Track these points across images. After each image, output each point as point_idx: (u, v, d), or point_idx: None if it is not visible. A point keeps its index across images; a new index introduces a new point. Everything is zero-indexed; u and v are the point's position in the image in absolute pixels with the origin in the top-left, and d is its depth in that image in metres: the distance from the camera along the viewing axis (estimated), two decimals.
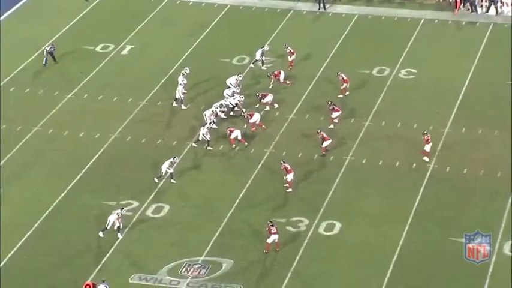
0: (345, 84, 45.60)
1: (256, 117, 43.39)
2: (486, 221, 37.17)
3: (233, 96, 44.64)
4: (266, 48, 48.11)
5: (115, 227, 36.69)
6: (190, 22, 53.95)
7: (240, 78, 45.62)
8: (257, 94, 44.96)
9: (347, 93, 45.73)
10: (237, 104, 44.29)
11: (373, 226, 37.24)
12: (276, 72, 46.47)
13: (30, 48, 50.98)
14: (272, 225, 35.87)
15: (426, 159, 40.65)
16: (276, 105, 44.97)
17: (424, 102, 45.16)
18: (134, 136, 43.73)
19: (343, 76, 45.50)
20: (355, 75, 47.49)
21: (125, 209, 37.29)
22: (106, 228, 36.63)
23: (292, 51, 47.65)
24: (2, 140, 43.40)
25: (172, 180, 40.24)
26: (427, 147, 40.42)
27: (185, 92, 45.18)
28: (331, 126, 43.21)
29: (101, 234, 36.84)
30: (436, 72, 47.43)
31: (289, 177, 39.27)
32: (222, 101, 44.35)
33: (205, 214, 38.60)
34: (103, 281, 33.63)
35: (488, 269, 34.92)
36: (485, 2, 53.32)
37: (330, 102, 43.32)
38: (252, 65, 48.23)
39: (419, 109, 44.35)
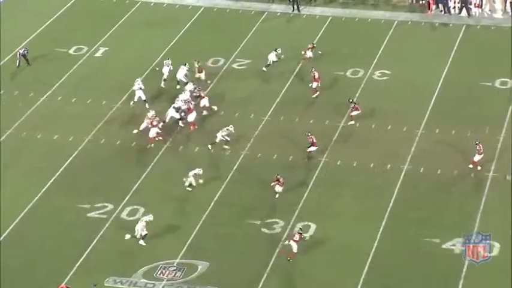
0: (315, 83, 45.73)
1: (193, 116, 43.61)
2: (460, 221, 37.47)
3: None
4: (279, 51, 47.96)
5: (143, 234, 36.53)
6: (164, 24, 53.94)
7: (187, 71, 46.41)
8: (196, 91, 45.04)
9: (317, 93, 45.84)
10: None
11: (348, 227, 37.38)
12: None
13: (4, 50, 50.84)
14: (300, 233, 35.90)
15: (471, 166, 40.42)
16: (215, 108, 45.05)
17: (398, 103, 45.32)
18: (108, 138, 43.70)
19: (315, 74, 45.71)
20: (330, 76, 47.69)
21: (151, 216, 36.85)
22: (135, 236, 36.43)
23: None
24: None
25: (225, 147, 41.87)
26: (476, 158, 40.03)
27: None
28: (352, 122, 43.63)
29: (142, 242, 36.60)
30: (410, 73, 47.64)
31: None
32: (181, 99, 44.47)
33: (180, 216, 38.62)
34: (94, 286, 33.65)
35: (462, 269, 35.12)
36: (458, 3, 53.59)
37: (351, 100, 43.57)
38: (264, 69, 48.10)
39: (394, 110, 44.51)
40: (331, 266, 35.65)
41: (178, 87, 46.18)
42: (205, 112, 44.80)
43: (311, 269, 35.55)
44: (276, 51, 48.13)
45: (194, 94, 44.90)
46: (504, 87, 46.59)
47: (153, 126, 42.45)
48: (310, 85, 46.32)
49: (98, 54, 51.20)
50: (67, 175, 41.42)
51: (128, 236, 36.69)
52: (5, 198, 39.82)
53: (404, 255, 36.09)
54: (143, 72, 48.53)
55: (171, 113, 43.85)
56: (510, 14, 53.16)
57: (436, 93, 46.08)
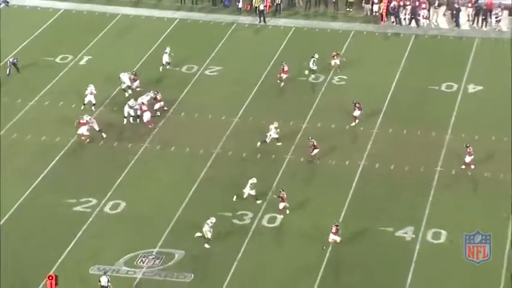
0: (284, 75, 46.53)
1: (147, 115, 43.67)
2: (411, 212, 37.70)
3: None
4: (316, 56, 47.62)
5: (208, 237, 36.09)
6: (142, 34, 53.76)
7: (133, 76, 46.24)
8: (154, 94, 45.00)
9: (282, 83, 46.50)
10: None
11: (311, 219, 37.39)
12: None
13: (2, 56, 50.51)
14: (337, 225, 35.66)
15: (463, 167, 40.23)
16: (165, 108, 45.12)
17: (348, 101, 44.96)
18: (92, 139, 43.39)
19: (285, 67, 46.63)
20: (294, 81, 47.79)
21: (213, 218, 36.08)
22: (204, 237, 35.92)
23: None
24: None
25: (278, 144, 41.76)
26: (467, 159, 39.87)
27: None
28: (353, 124, 43.54)
29: (206, 246, 36.01)
30: (365, 78, 47.82)
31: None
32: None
33: (158, 210, 38.52)
34: (105, 273, 33.56)
35: (413, 254, 35.37)
36: (408, 15, 53.86)
37: (354, 102, 43.44)
38: (310, 76, 47.84)
39: (351, 111, 44.56)
40: (295, 254, 35.70)
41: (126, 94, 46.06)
42: (158, 113, 44.82)
43: (277, 258, 35.59)
44: (313, 57, 48.04)
45: (152, 96, 44.90)
46: (449, 90, 46.96)
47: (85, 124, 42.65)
48: (278, 75, 46.93)
49: (82, 63, 50.88)
50: (54, 173, 41.15)
51: (198, 234, 36.05)
52: None
53: (363, 243, 36.22)
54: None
55: (126, 110, 44.08)
56: (454, 24, 53.52)
57: (389, 96, 46.32)
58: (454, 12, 53.59)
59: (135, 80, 46.69)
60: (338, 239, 35.46)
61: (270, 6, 55.57)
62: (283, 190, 37.51)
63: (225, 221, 37.61)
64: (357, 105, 43.31)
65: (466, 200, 38.57)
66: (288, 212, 37.53)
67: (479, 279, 34.19)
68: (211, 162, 41.62)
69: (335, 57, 48.26)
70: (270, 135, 41.97)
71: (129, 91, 46.13)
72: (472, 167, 40.13)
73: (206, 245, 35.87)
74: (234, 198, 38.33)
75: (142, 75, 48.01)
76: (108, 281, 33.29)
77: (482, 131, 42.97)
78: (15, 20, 55.95)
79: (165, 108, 45.12)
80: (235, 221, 37.69)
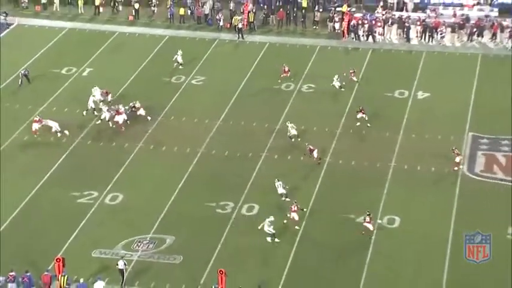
0: (284, 75, 47.78)
1: (121, 117, 43.63)
2: (370, 201, 37.66)
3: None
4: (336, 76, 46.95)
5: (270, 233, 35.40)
6: (137, 49, 53.47)
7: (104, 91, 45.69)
8: (131, 104, 44.80)
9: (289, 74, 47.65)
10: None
11: (283, 208, 37.26)
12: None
13: (9, 72, 50.02)
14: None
15: (456, 168, 39.78)
16: (149, 118, 44.66)
17: (319, 110, 45.21)
18: (93, 140, 43.25)
19: (286, 68, 47.89)
20: (269, 89, 47.74)
21: (272, 217, 35.37)
22: (270, 234, 35.33)
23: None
24: None
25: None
26: (457, 159, 39.53)
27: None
28: (358, 124, 43.46)
29: (276, 240, 35.41)
30: (330, 87, 47.61)
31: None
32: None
33: (152, 201, 38.39)
34: (122, 258, 33.58)
35: (370, 240, 35.40)
36: (365, 32, 53.94)
37: (360, 108, 43.53)
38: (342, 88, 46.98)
39: (318, 116, 44.49)
40: (265, 243, 35.48)
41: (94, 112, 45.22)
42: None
43: (253, 241, 35.52)
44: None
45: (131, 105, 44.80)
46: (401, 96, 47.03)
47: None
48: (280, 75, 47.91)
49: (84, 74, 50.54)
50: (61, 170, 40.92)
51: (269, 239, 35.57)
52: (11, 188, 39.34)
53: (328, 228, 36.29)
54: (120, 87, 48.09)
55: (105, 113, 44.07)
56: (405, 40, 53.66)
57: (350, 103, 46.24)
58: (405, 29, 53.74)
59: (107, 94, 45.95)
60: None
61: (247, 24, 55.50)
62: (296, 202, 36.62)
63: (209, 210, 37.56)
64: (362, 110, 43.26)
65: (416, 191, 38.66)
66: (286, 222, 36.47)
67: (425, 257, 34.40)
68: (197, 160, 41.49)
69: (352, 74, 47.26)
70: (290, 132, 41.93)
71: (100, 104, 45.01)
72: (461, 166, 40.02)
73: (268, 239, 35.12)
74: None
75: (137, 84, 47.80)
76: (125, 264, 33.19)
77: (429, 131, 43.05)
78: (26, 37, 55.61)
79: (147, 116, 44.67)
80: (219, 210, 37.61)
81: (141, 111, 44.59)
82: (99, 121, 44.19)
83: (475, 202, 37.59)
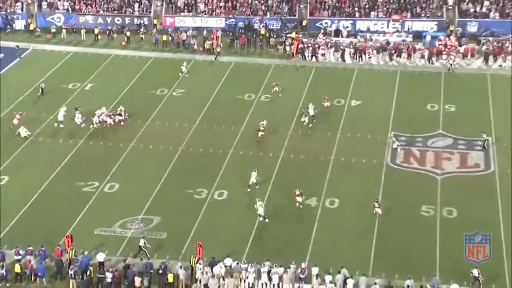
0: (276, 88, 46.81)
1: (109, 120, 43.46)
2: (316, 185, 37.59)
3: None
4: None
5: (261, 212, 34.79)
6: (129, 68, 52.72)
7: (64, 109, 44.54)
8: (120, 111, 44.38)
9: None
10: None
11: (247, 195, 37.10)
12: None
13: (26, 86, 49.16)
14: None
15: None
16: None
17: (275, 118, 44.53)
18: (94, 141, 42.68)
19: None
20: (233, 99, 47.35)
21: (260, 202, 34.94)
22: (260, 215, 34.72)
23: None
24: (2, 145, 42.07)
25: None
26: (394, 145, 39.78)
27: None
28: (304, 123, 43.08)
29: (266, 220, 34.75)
30: (283, 97, 47.40)
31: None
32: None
33: (142, 189, 37.94)
34: (143, 237, 32.95)
35: (316, 216, 35.41)
36: (310, 53, 53.92)
37: (325, 97, 43.55)
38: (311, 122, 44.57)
39: (274, 122, 43.83)
40: (236, 221, 35.38)
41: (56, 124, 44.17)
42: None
43: (223, 221, 35.43)
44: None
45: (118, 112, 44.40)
46: (339, 104, 46.93)
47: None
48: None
49: (87, 88, 49.79)
50: (69, 165, 40.35)
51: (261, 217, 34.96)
52: (29, 179, 38.77)
53: (282, 210, 36.22)
54: (116, 98, 47.37)
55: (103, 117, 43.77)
56: (340, 60, 53.73)
57: (298, 111, 45.98)
58: (341, 51, 53.90)
59: (76, 110, 44.39)
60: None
61: (217, 47, 55.13)
62: (299, 188, 36.36)
63: (188, 196, 37.26)
64: (326, 97, 43.17)
65: (351, 178, 38.72)
66: (299, 204, 36.01)
67: (359, 231, 34.49)
68: (178, 155, 41.11)
69: (325, 101, 45.48)
70: (306, 116, 42.57)
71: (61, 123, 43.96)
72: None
73: (266, 220, 34.63)
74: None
75: (129, 95, 47.26)
76: (145, 243, 32.72)
77: (361, 131, 43.14)
78: (39, 59, 54.56)
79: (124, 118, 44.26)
80: (196, 196, 37.33)
81: (119, 117, 44.13)
82: (97, 125, 43.59)
83: (397, 186, 37.79)
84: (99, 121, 43.88)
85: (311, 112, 43.84)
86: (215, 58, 53.87)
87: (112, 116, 44.33)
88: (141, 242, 32.89)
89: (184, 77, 50.92)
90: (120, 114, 44.46)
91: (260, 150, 41.28)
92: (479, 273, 29.68)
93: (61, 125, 43.87)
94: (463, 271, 30.91)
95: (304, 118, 43.32)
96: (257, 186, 37.49)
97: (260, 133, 41.79)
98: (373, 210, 34.93)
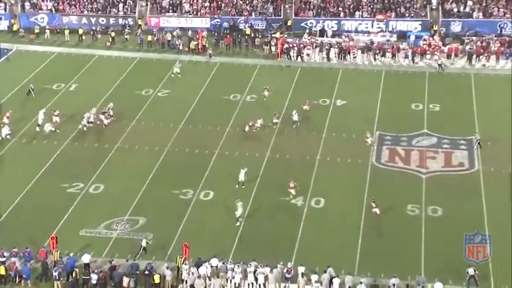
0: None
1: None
2: (302, 185, 37.52)
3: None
4: (294, 111, 44.51)
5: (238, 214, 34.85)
6: (113, 69, 52.54)
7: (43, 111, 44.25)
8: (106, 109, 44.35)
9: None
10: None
11: (234, 195, 37.04)
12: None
13: (11, 87, 49.06)
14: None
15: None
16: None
17: (262, 114, 44.21)
18: (79, 142, 42.44)
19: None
20: (219, 99, 47.28)
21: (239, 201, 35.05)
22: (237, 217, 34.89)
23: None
24: None
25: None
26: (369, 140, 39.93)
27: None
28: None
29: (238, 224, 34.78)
30: (270, 98, 47.20)
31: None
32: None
33: (127, 190, 37.84)
34: (145, 238, 32.91)
35: (302, 215, 35.50)
36: (295, 53, 53.99)
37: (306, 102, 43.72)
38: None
39: (263, 117, 43.73)
40: (221, 218, 35.46)
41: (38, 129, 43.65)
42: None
43: (209, 220, 35.46)
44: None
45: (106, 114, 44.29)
46: (324, 104, 46.96)
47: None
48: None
49: (71, 89, 49.55)
50: (53, 166, 40.14)
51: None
52: (13, 180, 38.57)
53: (268, 209, 36.28)
54: (100, 99, 47.11)
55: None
56: (326, 59, 53.91)
57: (285, 106, 45.98)
58: (326, 51, 54.06)
59: (56, 116, 44.23)
60: (378, 211, 34.46)
61: (202, 47, 55.10)
62: (294, 182, 36.69)
63: (174, 196, 37.21)
64: (277, 115, 43.14)
65: (336, 178, 38.87)
66: (292, 196, 36.47)
67: (344, 229, 34.64)
68: (163, 156, 41.04)
69: (306, 104, 45.13)
70: (295, 118, 42.68)
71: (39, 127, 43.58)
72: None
73: (237, 223, 34.67)
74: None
75: (114, 96, 47.01)
76: (147, 243, 32.74)
77: (346, 131, 43.26)
78: (24, 60, 54.23)
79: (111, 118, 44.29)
80: (182, 197, 37.28)
81: (108, 121, 44.01)
82: (86, 126, 43.37)
83: (382, 185, 37.95)
84: (92, 121, 43.36)
85: (295, 118, 43.65)
86: (208, 59, 53.66)
87: (106, 116, 43.89)
88: (143, 243, 32.84)
89: (171, 77, 50.76)
90: (111, 115, 44.14)
91: (246, 151, 41.30)
92: (475, 271, 29.87)
93: (37, 129, 43.40)
94: (448, 269, 31.18)
95: (276, 120, 43.21)
96: (243, 187, 37.47)
97: (252, 129, 41.82)
98: (371, 210, 35.03)
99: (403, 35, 55.82)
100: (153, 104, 47.44)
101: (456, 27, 56.51)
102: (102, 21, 59.18)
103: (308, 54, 54.11)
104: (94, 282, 31.21)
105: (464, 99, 47.14)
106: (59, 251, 32.23)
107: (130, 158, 40.99)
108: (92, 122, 43.68)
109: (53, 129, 43.03)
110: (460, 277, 30.80)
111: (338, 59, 53.77)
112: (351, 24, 56.95)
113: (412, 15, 57.41)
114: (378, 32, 56.27)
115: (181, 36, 56.42)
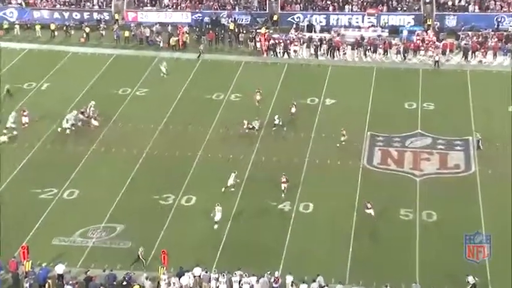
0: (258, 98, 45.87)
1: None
2: (290, 190, 37.57)
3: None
4: (276, 116, 44.50)
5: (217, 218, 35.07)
6: (88, 67, 52.21)
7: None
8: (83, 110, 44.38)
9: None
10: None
11: (216, 195, 36.94)
12: None
13: None
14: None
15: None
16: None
17: (247, 115, 44.21)
18: (52, 145, 42.21)
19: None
20: (201, 98, 47.18)
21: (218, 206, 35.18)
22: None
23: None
24: None
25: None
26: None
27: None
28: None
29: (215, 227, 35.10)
30: (254, 92, 47.49)
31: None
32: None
33: (104, 195, 37.64)
34: (141, 246, 32.83)
35: (290, 221, 35.55)
36: (282, 50, 54.05)
37: (294, 103, 44.05)
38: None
39: (246, 119, 43.70)
40: (203, 223, 35.35)
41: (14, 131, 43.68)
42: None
43: (190, 227, 35.29)
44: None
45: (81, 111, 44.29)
46: (313, 103, 46.99)
47: None
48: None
49: (43, 88, 49.20)
50: (24, 170, 39.84)
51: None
52: None
53: (254, 214, 36.24)
54: (74, 99, 46.90)
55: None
56: (314, 56, 54.00)
57: (271, 106, 46.06)
58: (314, 47, 54.16)
59: (25, 116, 44.02)
60: (372, 212, 34.71)
61: (182, 44, 55.02)
62: (284, 174, 37.20)
63: (154, 202, 37.07)
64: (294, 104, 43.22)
65: (326, 181, 38.84)
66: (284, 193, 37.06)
67: (334, 237, 34.67)
68: (142, 159, 40.86)
69: (293, 106, 44.98)
70: (276, 123, 43.03)
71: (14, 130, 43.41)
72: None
73: (215, 226, 34.89)
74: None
75: (89, 96, 46.74)
76: (142, 252, 32.66)
77: (336, 131, 43.08)
78: None
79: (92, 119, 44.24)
80: (162, 202, 37.15)
81: (96, 123, 43.99)
82: (70, 129, 43.20)
83: (374, 189, 38.00)
84: (74, 123, 43.17)
85: (277, 122, 43.65)
86: (198, 57, 53.45)
87: (95, 116, 43.85)
88: (140, 250, 32.71)
89: (150, 75, 50.58)
90: (96, 115, 44.05)
91: (230, 153, 41.22)
92: (474, 278, 29.98)
93: (14, 132, 43.07)
94: (444, 277, 31.27)
95: (249, 125, 42.97)
96: (232, 189, 37.48)
97: (248, 129, 42.14)
98: (364, 210, 35.18)
99: (395, 30, 56.04)
100: (130, 103, 47.24)
101: (451, 21, 56.83)
102: (76, 15, 58.92)
103: (295, 51, 54.17)
104: None
105: (460, 97, 47.38)
106: (30, 262, 32.00)
107: (107, 162, 40.77)
108: (74, 125, 43.32)
109: (6, 140, 42.51)
110: (458, 285, 30.92)
111: (327, 56, 53.87)
112: (340, 19, 57.10)
113: (405, 9, 57.68)
114: (369, 26, 56.47)
115: (161, 32, 56.29)
